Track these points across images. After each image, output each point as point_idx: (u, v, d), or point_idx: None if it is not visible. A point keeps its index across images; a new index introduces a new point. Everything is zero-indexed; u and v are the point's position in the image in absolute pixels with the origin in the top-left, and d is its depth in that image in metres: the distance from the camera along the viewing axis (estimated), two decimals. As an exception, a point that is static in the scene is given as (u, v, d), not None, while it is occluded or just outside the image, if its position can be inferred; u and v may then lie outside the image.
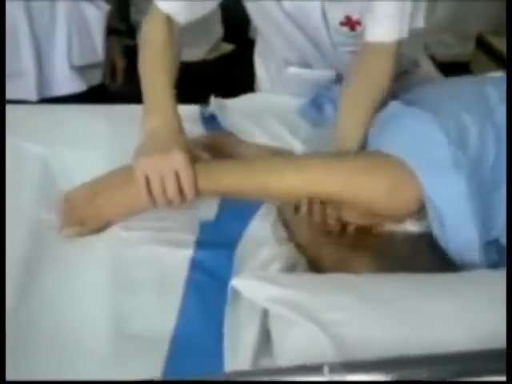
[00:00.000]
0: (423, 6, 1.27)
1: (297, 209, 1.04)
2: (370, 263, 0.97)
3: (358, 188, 1.01)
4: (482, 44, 2.59)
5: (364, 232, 1.07)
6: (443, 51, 2.85)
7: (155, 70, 1.19)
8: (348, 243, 1.03)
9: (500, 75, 1.35)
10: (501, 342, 0.71)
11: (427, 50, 2.76)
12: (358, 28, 1.30)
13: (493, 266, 0.97)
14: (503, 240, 0.99)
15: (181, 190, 1.04)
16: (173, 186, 1.02)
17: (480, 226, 0.96)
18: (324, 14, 1.30)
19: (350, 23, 1.31)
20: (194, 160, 1.05)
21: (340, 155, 1.12)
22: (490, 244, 0.99)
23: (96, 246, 1.06)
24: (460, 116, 1.03)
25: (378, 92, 1.19)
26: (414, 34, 1.26)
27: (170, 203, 1.05)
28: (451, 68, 1.67)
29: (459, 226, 0.95)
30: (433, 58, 2.70)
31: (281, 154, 1.23)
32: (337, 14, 1.30)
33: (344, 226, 1.06)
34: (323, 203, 1.02)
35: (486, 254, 0.97)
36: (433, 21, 2.67)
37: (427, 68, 1.57)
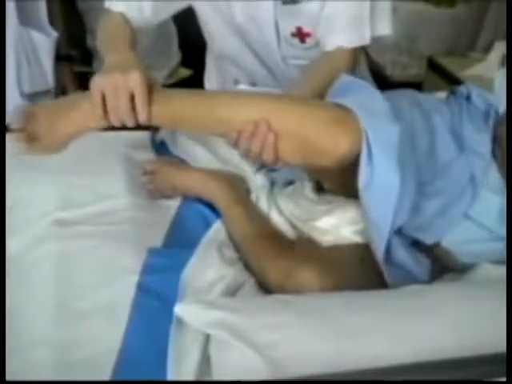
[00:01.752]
0: (387, 13, 1.30)
1: (239, 134, 1.01)
2: (316, 275, 0.98)
3: (303, 118, 0.99)
4: (433, 65, 2.65)
5: (309, 244, 1.09)
6: (399, 72, 2.92)
7: (114, 30, 1.22)
8: (293, 255, 1.03)
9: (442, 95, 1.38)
10: (439, 354, 0.72)
11: (383, 70, 2.84)
12: (308, 40, 1.34)
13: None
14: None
15: (134, 110, 1.02)
16: (125, 103, 1.01)
17: (406, 186, 0.95)
18: (276, 24, 1.33)
19: (301, 34, 1.33)
20: (150, 86, 1.03)
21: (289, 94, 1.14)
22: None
23: (42, 267, 1.08)
24: (399, 104, 1.07)
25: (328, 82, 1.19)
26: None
27: (122, 121, 1.04)
28: (405, 88, 1.70)
29: (384, 174, 0.94)
30: (386, 79, 2.78)
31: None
32: (288, 25, 1.32)
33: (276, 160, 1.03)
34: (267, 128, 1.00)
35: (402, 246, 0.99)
36: (389, 41, 2.74)
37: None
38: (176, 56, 2.87)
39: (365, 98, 1.04)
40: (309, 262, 1.01)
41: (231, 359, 0.77)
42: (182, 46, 2.82)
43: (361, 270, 1.02)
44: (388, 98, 1.06)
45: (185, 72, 2.90)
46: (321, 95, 1.16)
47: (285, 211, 1.20)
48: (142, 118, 1.02)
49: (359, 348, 0.75)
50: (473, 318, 0.81)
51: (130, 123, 1.03)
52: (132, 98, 1.01)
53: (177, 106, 1.05)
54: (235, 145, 1.05)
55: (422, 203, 1.01)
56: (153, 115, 1.03)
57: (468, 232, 1.03)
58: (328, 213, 1.13)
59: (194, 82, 2.70)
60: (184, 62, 2.88)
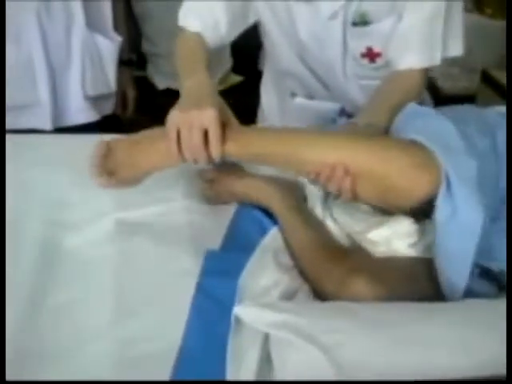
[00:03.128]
0: (459, 33, 1.29)
1: (317, 176, 1.04)
2: (370, 285, 0.98)
3: (382, 163, 1.01)
4: (486, 78, 2.61)
5: (363, 253, 1.09)
6: (450, 84, 2.89)
7: (192, 53, 1.25)
8: (348, 264, 1.04)
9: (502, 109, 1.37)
10: (498, 370, 0.72)
11: (434, 82, 2.82)
12: (378, 60, 1.34)
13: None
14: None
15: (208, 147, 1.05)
16: (198, 140, 1.03)
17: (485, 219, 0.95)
18: (345, 45, 1.33)
19: (371, 55, 1.33)
20: (225, 122, 1.06)
21: (366, 133, 1.14)
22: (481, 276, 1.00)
23: (102, 264, 1.11)
24: (467, 128, 1.07)
25: (397, 104, 1.20)
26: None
27: (196, 160, 1.07)
28: (457, 101, 1.69)
29: (467, 210, 0.94)
30: (438, 91, 2.76)
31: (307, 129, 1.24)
32: (359, 45, 1.33)
33: (355, 199, 1.06)
34: (344, 173, 1.02)
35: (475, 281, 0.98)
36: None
37: (428, 102, 1.61)
38: (227, 62, 2.89)
39: (436, 129, 1.05)
40: (363, 271, 1.01)
41: (295, 359, 0.78)
42: (234, 52, 2.85)
43: (415, 284, 1.02)
44: (454, 118, 1.07)
45: (236, 78, 2.93)
46: (395, 116, 1.17)
47: (339, 221, 1.21)
48: (216, 155, 1.05)
49: (422, 358, 0.76)
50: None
51: (203, 160, 1.07)
52: (206, 135, 1.04)
53: (252, 148, 1.08)
54: (312, 183, 1.09)
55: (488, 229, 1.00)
56: (227, 153, 1.07)
57: None
58: (380, 224, 1.13)
59: (245, 88, 2.74)
60: (235, 69, 2.91)
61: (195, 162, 1.08)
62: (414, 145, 1.01)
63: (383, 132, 1.17)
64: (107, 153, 1.13)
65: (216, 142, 1.04)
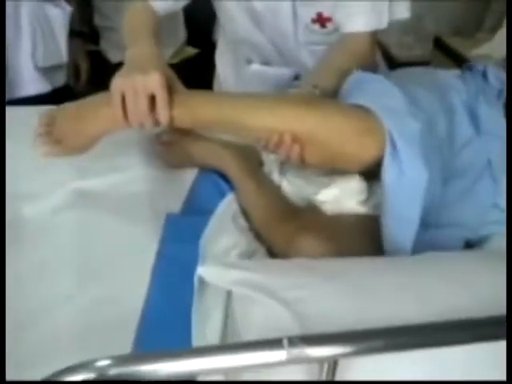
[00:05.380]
0: None
1: (265, 145, 1.05)
2: (317, 241, 1.00)
3: (329, 129, 1.01)
4: (440, 45, 2.65)
5: (314, 212, 1.10)
6: (404, 52, 2.91)
7: (138, 22, 1.23)
8: (297, 222, 1.06)
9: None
10: (453, 315, 0.74)
11: (388, 51, 2.84)
12: (329, 25, 1.33)
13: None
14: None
15: (154, 111, 1.03)
16: (144, 105, 1.02)
17: (433, 174, 0.97)
18: (295, 12, 1.33)
19: (321, 20, 1.33)
20: (171, 87, 1.05)
21: (313, 98, 1.14)
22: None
23: (63, 232, 1.10)
24: (415, 89, 1.08)
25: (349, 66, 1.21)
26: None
27: (142, 125, 1.05)
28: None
29: (412, 170, 0.95)
30: (392, 59, 2.78)
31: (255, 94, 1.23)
32: (309, 12, 1.32)
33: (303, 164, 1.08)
34: (292, 140, 1.02)
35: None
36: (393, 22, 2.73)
37: (384, 70, 1.62)
38: (182, 35, 2.85)
39: (379, 92, 1.06)
40: (311, 229, 1.03)
41: (257, 314, 0.78)
42: (188, 24, 2.81)
43: (364, 241, 1.04)
44: (402, 81, 1.08)
45: (191, 51, 2.89)
46: (343, 78, 1.17)
47: (294, 184, 1.21)
48: (164, 119, 1.03)
49: (386, 307, 0.77)
50: (488, 282, 0.83)
51: (149, 125, 1.05)
52: (152, 100, 1.02)
53: (198, 112, 1.06)
54: (263, 149, 1.10)
55: (446, 186, 1.02)
56: (174, 118, 1.04)
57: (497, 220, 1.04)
58: (328, 185, 1.14)
59: (200, 61, 2.71)
60: (190, 41, 2.87)
61: (141, 126, 1.06)
62: (358, 109, 1.02)
63: (331, 95, 1.17)
64: (52, 122, 1.11)
65: (163, 106, 1.02)
